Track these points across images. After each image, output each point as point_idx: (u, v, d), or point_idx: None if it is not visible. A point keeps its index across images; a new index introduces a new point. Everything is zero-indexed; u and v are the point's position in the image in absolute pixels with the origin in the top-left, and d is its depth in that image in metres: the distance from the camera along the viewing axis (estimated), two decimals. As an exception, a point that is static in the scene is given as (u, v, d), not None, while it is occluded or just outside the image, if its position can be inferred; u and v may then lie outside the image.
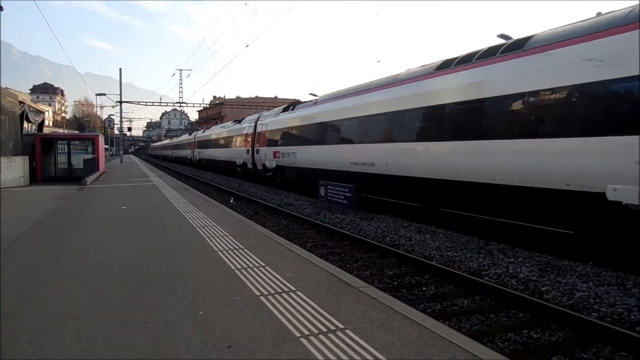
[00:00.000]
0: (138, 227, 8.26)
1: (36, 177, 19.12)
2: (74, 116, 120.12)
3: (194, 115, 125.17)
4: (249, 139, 24.31)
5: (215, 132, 36.22)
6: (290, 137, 18.96)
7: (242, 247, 6.47)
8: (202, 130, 45.12)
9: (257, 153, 22.61)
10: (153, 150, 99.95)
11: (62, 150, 21.18)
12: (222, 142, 32.07)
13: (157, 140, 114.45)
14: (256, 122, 23.56)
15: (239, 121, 28.72)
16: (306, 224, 11.11)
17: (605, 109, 6.89)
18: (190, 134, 53.44)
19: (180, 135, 74.98)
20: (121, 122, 45.49)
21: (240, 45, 48.78)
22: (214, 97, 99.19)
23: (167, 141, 79.07)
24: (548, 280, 6.17)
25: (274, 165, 20.16)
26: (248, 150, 24.27)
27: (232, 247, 6.43)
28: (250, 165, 24.09)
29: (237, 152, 26.57)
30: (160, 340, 3.29)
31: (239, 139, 26.68)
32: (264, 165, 21.59)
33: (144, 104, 49.74)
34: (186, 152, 49.66)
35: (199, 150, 41.41)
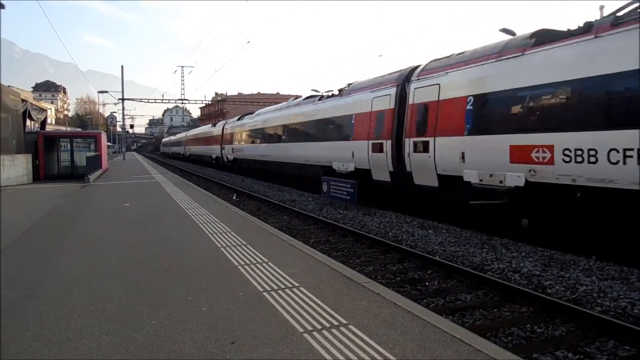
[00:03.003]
0: (141, 224, 8.28)
1: (39, 175, 19.19)
2: (77, 114, 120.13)
3: (196, 112, 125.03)
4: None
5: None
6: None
7: (244, 243, 6.48)
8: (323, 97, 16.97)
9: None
10: (168, 146, 69.75)
11: (65, 148, 21.24)
12: None
13: (160, 137, 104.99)
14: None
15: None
16: (309, 220, 11.12)
17: None
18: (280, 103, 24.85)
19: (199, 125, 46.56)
20: (123, 119, 45.48)
21: (242, 41, 48.63)
22: (216, 93, 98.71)
23: (202, 129, 46.51)
24: (551, 274, 6.16)
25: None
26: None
27: (234, 244, 6.45)
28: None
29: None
30: (164, 336, 3.30)
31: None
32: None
33: (146, 101, 49.75)
34: (267, 149, 22.16)
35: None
